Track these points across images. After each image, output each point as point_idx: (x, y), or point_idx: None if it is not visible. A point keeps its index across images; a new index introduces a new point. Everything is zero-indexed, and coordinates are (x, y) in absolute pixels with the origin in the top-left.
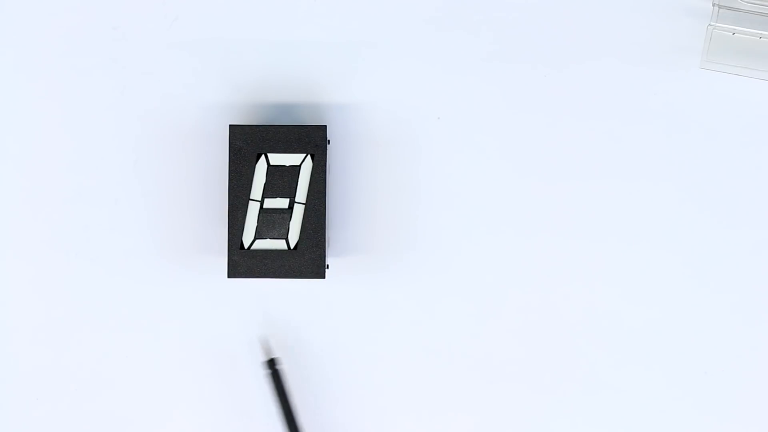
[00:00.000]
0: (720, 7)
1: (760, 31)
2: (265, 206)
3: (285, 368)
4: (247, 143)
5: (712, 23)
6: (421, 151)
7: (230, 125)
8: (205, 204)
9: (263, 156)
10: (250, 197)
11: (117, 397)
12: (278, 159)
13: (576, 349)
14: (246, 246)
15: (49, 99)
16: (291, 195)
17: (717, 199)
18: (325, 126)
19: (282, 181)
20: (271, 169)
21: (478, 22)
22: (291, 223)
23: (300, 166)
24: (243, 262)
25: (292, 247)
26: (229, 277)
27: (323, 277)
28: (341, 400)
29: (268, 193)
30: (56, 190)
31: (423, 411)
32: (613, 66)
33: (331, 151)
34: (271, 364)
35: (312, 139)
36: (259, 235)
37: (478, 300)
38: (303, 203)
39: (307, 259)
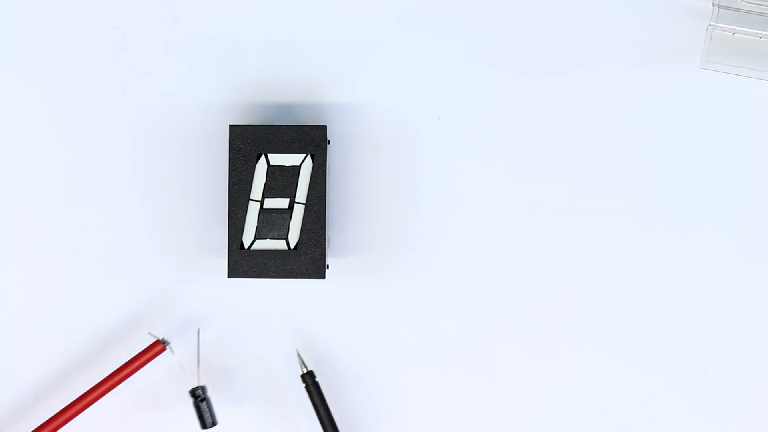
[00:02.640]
0: (720, 7)
1: (760, 31)
2: (265, 206)
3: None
4: (247, 143)
5: (712, 23)
6: (421, 151)
7: (230, 125)
8: (205, 204)
9: (263, 156)
10: (250, 197)
11: (117, 397)
12: (278, 159)
13: (576, 349)
14: (246, 246)
15: (49, 99)
16: (291, 195)
17: (717, 199)
18: (325, 126)
19: (282, 181)
20: (271, 169)
21: (479, 23)
22: (291, 223)
23: (300, 166)
24: (243, 262)
25: (292, 247)
26: (229, 277)
27: (323, 277)
28: (341, 399)
29: (268, 193)
30: (56, 190)
31: (423, 411)
32: (613, 66)
33: (331, 151)
34: (310, 376)
35: (312, 139)
36: (259, 235)
37: (478, 300)
38: (303, 203)
39: (307, 259)
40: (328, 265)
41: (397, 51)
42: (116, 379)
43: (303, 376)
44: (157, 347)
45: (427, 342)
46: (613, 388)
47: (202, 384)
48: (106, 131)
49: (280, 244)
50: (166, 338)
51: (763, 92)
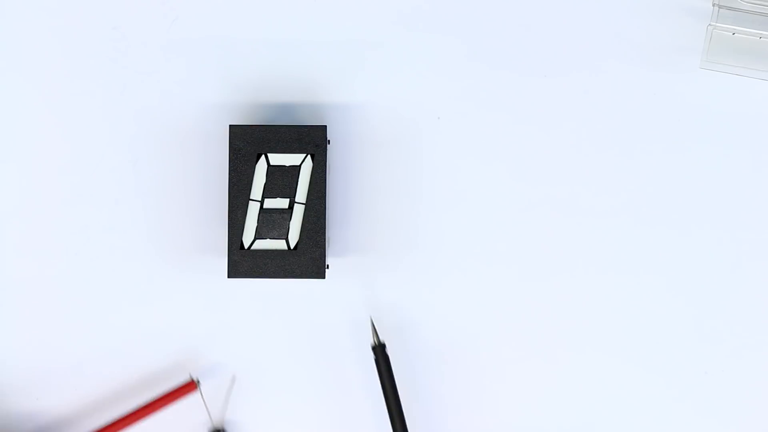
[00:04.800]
0: (720, 7)
1: (760, 31)
2: (265, 206)
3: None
4: (247, 143)
5: (712, 23)
6: (421, 151)
7: (230, 125)
8: (205, 204)
9: (263, 156)
10: (250, 197)
11: (117, 397)
12: (278, 159)
13: (576, 349)
14: (246, 246)
15: (49, 99)
16: (291, 195)
17: (717, 199)
18: (325, 126)
19: (282, 181)
20: (271, 169)
21: (479, 23)
22: (291, 223)
23: (300, 166)
24: (243, 262)
25: (292, 247)
26: (229, 277)
27: (323, 277)
28: (340, 399)
29: (268, 193)
30: (56, 190)
31: (423, 410)
32: (613, 66)
33: (331, 151)
34: (382, 349)
35: (312, 139)
36: (259, 235)
37: (479, 300)
38: (303, 203)
39: (307, 259)
40: (328, 265)
41: (397, 51)
42: (143, 413)
43: (374, 348)
44: (191, 387)
45: (427, 342)
46: (613, 388)
47: (223, 427)
48: (105, 131)
49: (280, 244)
50: (199, 378)
51: (763, 92)
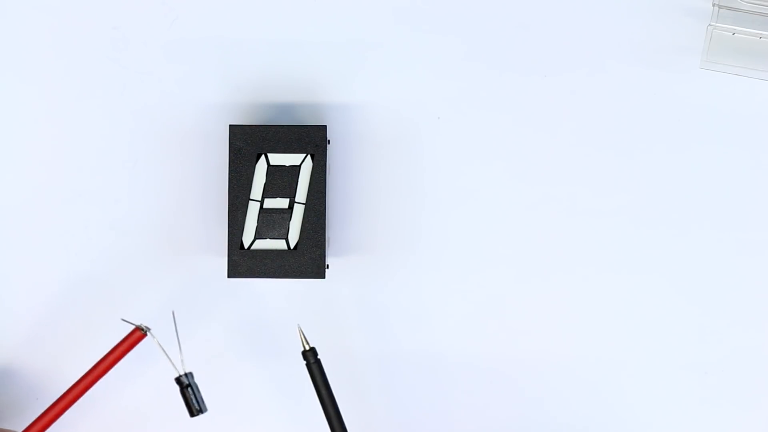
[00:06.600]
0: (720, 7)
1: (760, 31)
2: (265, 206)
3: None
4: (247, 143)
5: (712, 23)
6: (421, 151)
7: (230, 125)
8: (205, 204)
9: (263, 156)
10: (250, 197)
11: (116, 397)
12: (278, 159)
13: (576, 349)
14: (246, 246)
15: (49, 99)
16: (291, 195)
17: (717, 199)
18: (325, 126)
19: (282, 181)
20: (271, 169)
21: (478, 23)
22: (291, 223)
23: (300, 166)
24: (243, 262)
25: (292, 247)
26: (229, 277)
27: (323, 277)
28: (340, 400)
29: (268, 193)
30: (56, 190)
31: (422, 411)
32: (613, 66)
33: (331, 151)
34: (312, 354)
35: (312, 139)
36: (259, 235)
37: (478, 300)
38: (303, 203)
39: (307, 259)
40: (328, 265)
41: (397, 51)
42: (98, 371)
43: (304, 354)
44: (136, 334)
45: (426, 342)
46: (613, 388)
47: (187, 371)
48: (106, 131)
49: (280, 244)
50: (146, 325)
51: (763, 92)
